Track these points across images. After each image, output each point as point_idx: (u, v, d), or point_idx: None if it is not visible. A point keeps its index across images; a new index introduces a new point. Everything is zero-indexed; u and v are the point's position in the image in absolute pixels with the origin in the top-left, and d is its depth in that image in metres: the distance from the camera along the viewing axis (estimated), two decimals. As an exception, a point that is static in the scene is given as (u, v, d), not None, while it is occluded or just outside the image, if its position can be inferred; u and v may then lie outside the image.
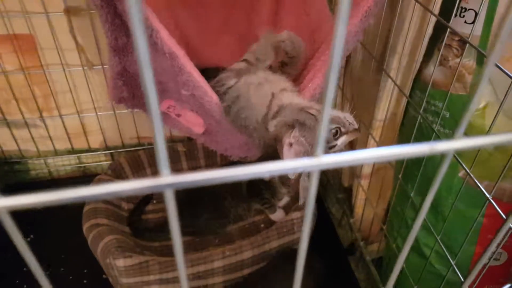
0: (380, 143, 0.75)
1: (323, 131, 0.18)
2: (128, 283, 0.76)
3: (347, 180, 0.94)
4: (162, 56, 0.48)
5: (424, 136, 0.66)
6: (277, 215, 0.94)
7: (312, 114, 0.55)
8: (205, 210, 0.89)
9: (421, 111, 0.62)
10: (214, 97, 0.57)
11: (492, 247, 0.28)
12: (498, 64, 0.46)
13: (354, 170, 0.85)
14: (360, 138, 0.80)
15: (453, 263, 0.56)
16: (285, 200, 0.95)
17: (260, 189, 0.91)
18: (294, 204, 0.91)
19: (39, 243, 0.95)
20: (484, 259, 0.29)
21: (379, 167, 0.82)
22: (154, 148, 0.18)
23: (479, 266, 0.30)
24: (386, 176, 0.81)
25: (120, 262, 0.74)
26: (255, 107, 0.60)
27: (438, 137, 0.61)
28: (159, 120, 0.17)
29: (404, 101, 0.73)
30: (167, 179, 0.18)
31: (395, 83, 0.65)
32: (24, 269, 0.89)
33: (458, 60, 0.59)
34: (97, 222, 0.82)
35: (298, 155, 0.55)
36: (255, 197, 0.93)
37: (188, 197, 0.90)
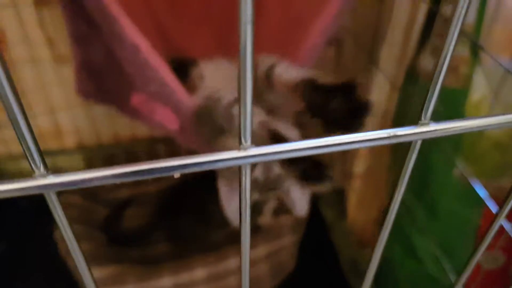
0: (371, 163, 0.71)
1: (248, 119, 0.16)
2: (103, 295, 0.70)
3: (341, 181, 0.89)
4: (125, 48, 0.43)
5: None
6: (264, 219, 0.89)
7: None
8: (187, 211, 0.83)
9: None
10: (184, 97, 0.52)
11: (484, 247, 0.26)
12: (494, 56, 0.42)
13: (345, 170, 0.81)
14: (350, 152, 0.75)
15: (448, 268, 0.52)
16: (272, 204, 0.90)
17: None
18: (283, 208, 0.87)
19: (11, 253, 0.87)
20: (475, 260, 0.26)
21: (373, 168, 0.78)
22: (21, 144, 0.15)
23: (471, 266, 0.27)
24: (381, 176, 0.77)
25: (96, 272, 0.68)
26: None
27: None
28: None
29: (396, 96, 0.69)
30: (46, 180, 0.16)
31: (386, 77, 0.61)
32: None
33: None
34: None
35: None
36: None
37: (171, 196, 0.84)
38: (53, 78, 0.87)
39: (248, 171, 0.17)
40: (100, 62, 0.50)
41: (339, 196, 0.90)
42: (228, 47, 0.71)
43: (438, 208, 0.63)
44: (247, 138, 0.16)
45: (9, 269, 0.85)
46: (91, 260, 0.69)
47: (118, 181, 0.17)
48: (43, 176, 0.16)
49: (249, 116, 0.16)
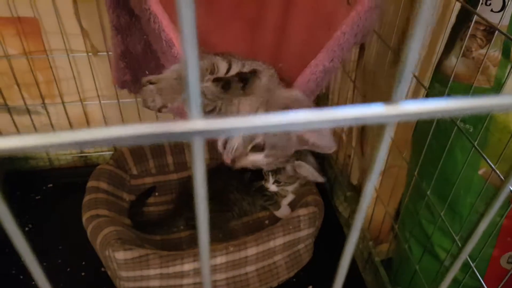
0: (395, 142, 0.72)
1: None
2: (128, 277, 0.73)
3: (356, 178, 0.90)
4: (161, 41, 0.45)
5: (442, 133, 0.63)
6: (282, 212, 0.91)
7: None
8: (210, 203, 0.86)
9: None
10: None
11: (491, 215, 0.23)
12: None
13: (364, 167, 0.82)
14: (370, 149, 0.77)
15: (472, 265, 0.53)
16: (290, 197, 0.92)
17: (262, 186, 0.88)
18: (300, 201, 0.88)
19: (37, 233, 0.92)
20: (483, 227, 0.24)
21: (391, 165, 0.79)
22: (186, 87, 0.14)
23: (478, 232, 0.24)
24: (399, 174, 0.78)
25: (120, 255, 0.71)
26: None
27: (460, 134, 0.57)
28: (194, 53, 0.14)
29: (422, 95, 0.70)
30: (197, 124, 0.15)
31: (414, 76, 0.62)
32: (21, 263, 0.87)
33: (482, 51, 0.56)
34: (97, 213, 0.79)
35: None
36: (258, 193, 0.90)
37: (191, 182, 0.87)
38: (87, 68, 0.91)
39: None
40: (137, 53, 0.52)
41: (355, 192, 0.91)
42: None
43: (460, 206, 0.63)
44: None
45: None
46: (117, 242, 0.72)
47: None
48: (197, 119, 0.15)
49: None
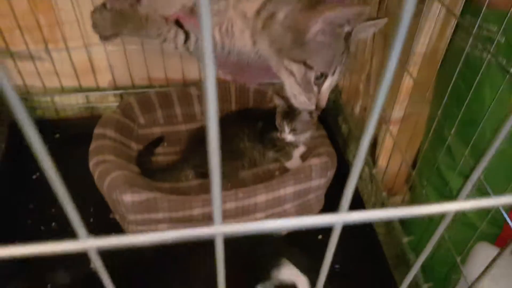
0: (418, 80, 0.68)
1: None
2: (136, 220, 0.72)
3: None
4: None
5: (471, 69, 0.59)
6: (293, 163, 0.88)
7: None
8: (220, 149, 0.83)
9: (471, 39, 0.54)
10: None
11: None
12: None
13: (382, 115, 0.78)
14: (395, 75, 0.72)
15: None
16: (301, 149, 0.89)
17: (273, 136, 0.86)
18: (312, 153, 0.86)
19: (45, 181, 0.91)
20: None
21: (410, 113, 0.75)
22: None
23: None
24: (418, 121, 0.74)
25: (128, 197, 0.70)
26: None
27: (490, 69, 0.53)
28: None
29: (449, 32, 0.65)
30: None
31: (442, 4, 0.57)
32: (30, 206, 0.86)
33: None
34: (104, 159, 0.78)
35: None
36: (269, 144, 0.88)
37: (201, 135, 0.85)
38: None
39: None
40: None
41: (370, 144, 0.88)
42: None
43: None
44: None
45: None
46: (125, 186, 0.70)
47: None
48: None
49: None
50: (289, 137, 0.84)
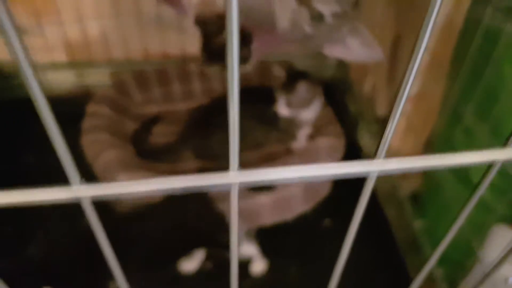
0: (433, 55, 0.62)
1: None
2: (130, 203, 0.68)
3: (384, 107, 0.82)
4: None
5: (489, 40, 0.53)
6: (298, 145, 0.84)
7: None
8: (220, 129, 0.79)
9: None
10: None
11: None
12: None
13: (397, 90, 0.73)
14: (407, 51, 0.67)
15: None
16: (307, 129, 0.85)
17: (275, 118, 0.81)
18: (319, 133, 0.81)
19: (36, 162, 0.87)
20: None
21: (426, 90, 0.70)
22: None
23: None
24: (432, 101, 0.69)
25: (122, 177, 0.65)
26: None
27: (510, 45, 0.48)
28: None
29: (466, 1, 0.60)
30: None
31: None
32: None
33: None
34: (97, 137, 0.73)
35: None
36: (271, 124, 0.83)
37: (202, 114, 0.80)
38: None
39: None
40: None
41: (381, 123, 0.83)
42: None
43: (503, 128, 0.55)
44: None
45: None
46: (120, 165, 0.66)
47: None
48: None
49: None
50: (283, 110, 0.78)
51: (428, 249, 0.66)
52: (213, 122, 0.80)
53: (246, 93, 0.81)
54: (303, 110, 0.78)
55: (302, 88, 0.75)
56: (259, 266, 0.68)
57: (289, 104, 0.76)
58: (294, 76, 0.75)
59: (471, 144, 0.60)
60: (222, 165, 0.73)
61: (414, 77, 0.17)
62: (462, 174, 0.61)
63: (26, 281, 0.56)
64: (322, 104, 0.82)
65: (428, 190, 0.70)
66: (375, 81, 0.86)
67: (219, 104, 0.84)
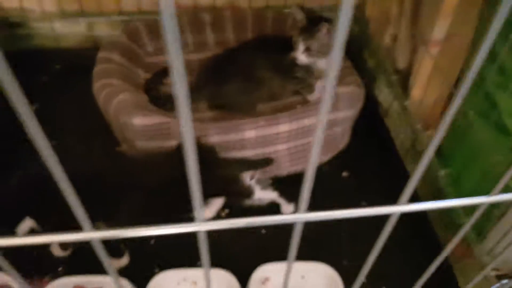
0: (454, 25, 0.59)
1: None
2: (146, 148, 0.66)
3: (404, 60, 0.78)
4: None
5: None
6: (316, 96, 0.81)
7: None
8: (236, 78, 0.76)
9: None
10: None
11: None
12: None
13: (421, 36, 0.69)
14: (426, 15, 0.63)
15: None
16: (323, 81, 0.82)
17: (292, 68, 0.77)
18: (338, 82, 0.78)
19: (45, 113, 0.84)
20: None
21: (452, 33, 0.66)
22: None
23: None
24: (461, 43, 0.65)
25: (138, 121, 0.63)
26: None
27: None
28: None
29: None
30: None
31: None
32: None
33: None
34: (110, 82, 0.71)
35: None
36: (289, 75, 0.80)
37: (214, 64, 0.77)
38: None
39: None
40: None
41: (401, 75, 0.80)
42: None
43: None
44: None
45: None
46: (135, 108, 0.64)
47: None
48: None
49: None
50: (302, 57, 0.74)
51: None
52: (229, 65, 0.77)
53: (262, 42, 0.78)
54: (323, 58, 0.75)
55: (323, 33, 0.71)
56: (288, 208, 0.67)
57: (308, 51, 0.73)
58: (315, 20, 0.72)
59: (506, 83, 0.57)
60: (234, 114, 0.71)
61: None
62: (494, 117, 0.59)
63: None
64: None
65: (453, 140, 0.68)
66: (396, 32, 0.82)
67: (236, 49, 0.81)
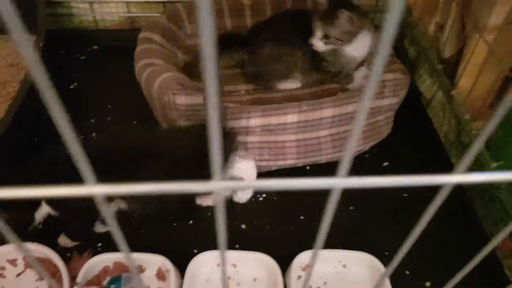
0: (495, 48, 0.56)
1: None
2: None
3: (452, 49, 0.75)
4: None
5: None
6: (356, 85, 0.79)
7: None
8: (270, 43, 0.74)
9: None
10: None
11: None
12: None
13: (476, 22, 0.66)
14: (482, 1, 0.60)
15: None
16: (362, 71, 0.79)
17: (321, 62, 0.75)
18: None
19: (83, 92, 0.85)
20: None
21: (510, 21, 0.63)
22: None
23: None
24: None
25: (181, 100, 0.62)
26: None
27: None
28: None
29: None
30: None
31: None
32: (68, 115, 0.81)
33: None
34: (152, 61, 0.70)
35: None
36: (320, 68, 0.77)
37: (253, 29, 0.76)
38: None
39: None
40: None
41: (447, 64, 0.77)
42: None
43: None
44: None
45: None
46: (179, 86, 0.63)
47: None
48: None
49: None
50: (319, 44, 0.70)
51: (505, 193, 0.61)
52: (261, 37, 0.76)
53: (301, 16, 0.72)
54: (345, 45, 0.71)
55: (342, 20, 0.67)
56: None
57: (326, 38, 0.69)
58: (337, 4, 0.68)
59: None
60: (271, 87, 0.69)
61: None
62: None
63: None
64: (371, 39, 0.74)
65: (506, 131, 0.65)
66: (442, 21, 0.79)
67: (268, 22, 0.80)
